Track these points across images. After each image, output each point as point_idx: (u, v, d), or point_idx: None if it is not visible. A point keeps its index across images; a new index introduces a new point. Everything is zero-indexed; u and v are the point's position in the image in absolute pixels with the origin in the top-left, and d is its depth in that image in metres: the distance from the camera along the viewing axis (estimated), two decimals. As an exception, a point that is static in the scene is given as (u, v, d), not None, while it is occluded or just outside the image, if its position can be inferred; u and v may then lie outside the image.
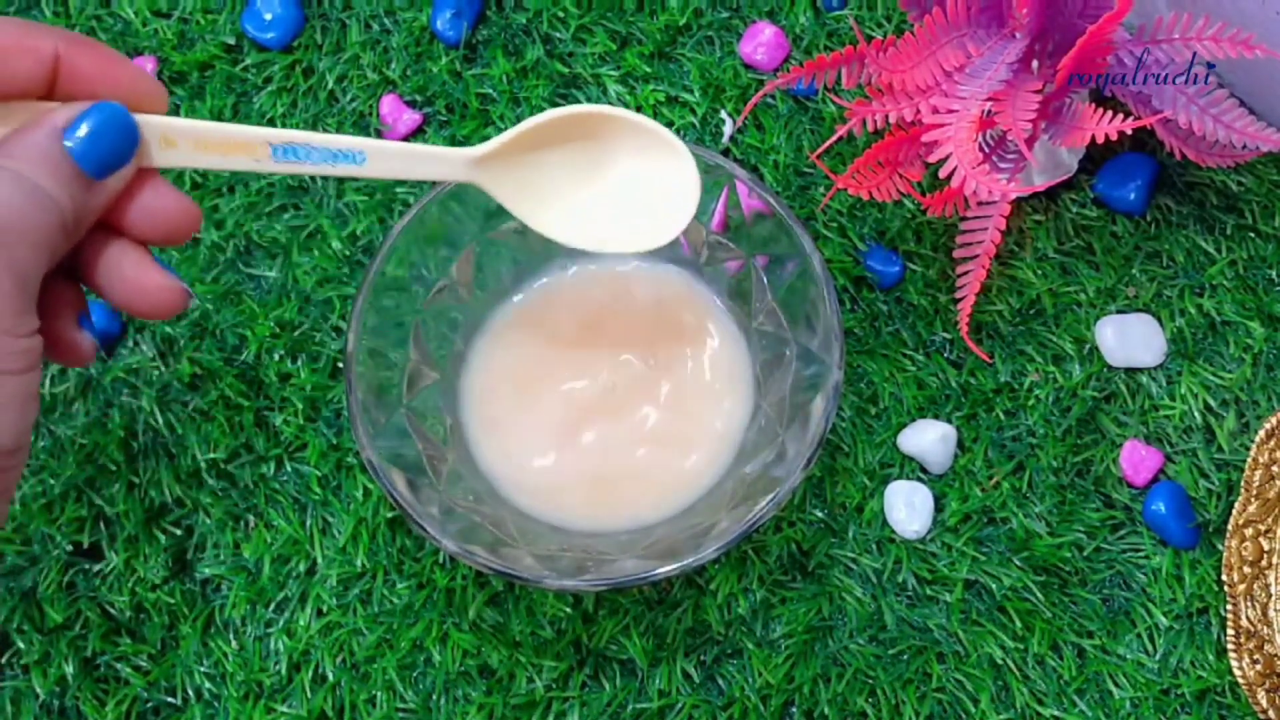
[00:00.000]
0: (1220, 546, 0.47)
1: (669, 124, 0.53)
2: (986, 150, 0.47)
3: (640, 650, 0.47)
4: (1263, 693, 0.45)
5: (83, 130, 0.30)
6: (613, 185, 0.39)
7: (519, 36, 0.54)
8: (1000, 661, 0.47)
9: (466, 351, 0.47)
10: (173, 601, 0.48)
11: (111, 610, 0.48)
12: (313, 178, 0.52)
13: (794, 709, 0.47)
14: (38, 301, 0.30)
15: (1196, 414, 0.49)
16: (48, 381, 0.50)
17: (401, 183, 0.52)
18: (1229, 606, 0.46)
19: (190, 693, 0.47)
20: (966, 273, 0.47)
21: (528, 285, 0.47)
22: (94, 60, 0.32)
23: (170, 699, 0.47)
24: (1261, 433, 0.47)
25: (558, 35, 0.54)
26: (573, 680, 0.47)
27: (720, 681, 0.47)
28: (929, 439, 0.48)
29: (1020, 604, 0.47)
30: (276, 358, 0.50)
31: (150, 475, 0.49)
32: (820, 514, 0.48)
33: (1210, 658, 0.47)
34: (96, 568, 0.48)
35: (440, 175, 0.37)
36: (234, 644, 0.48)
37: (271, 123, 0.53)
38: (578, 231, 0.39)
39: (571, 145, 0.39)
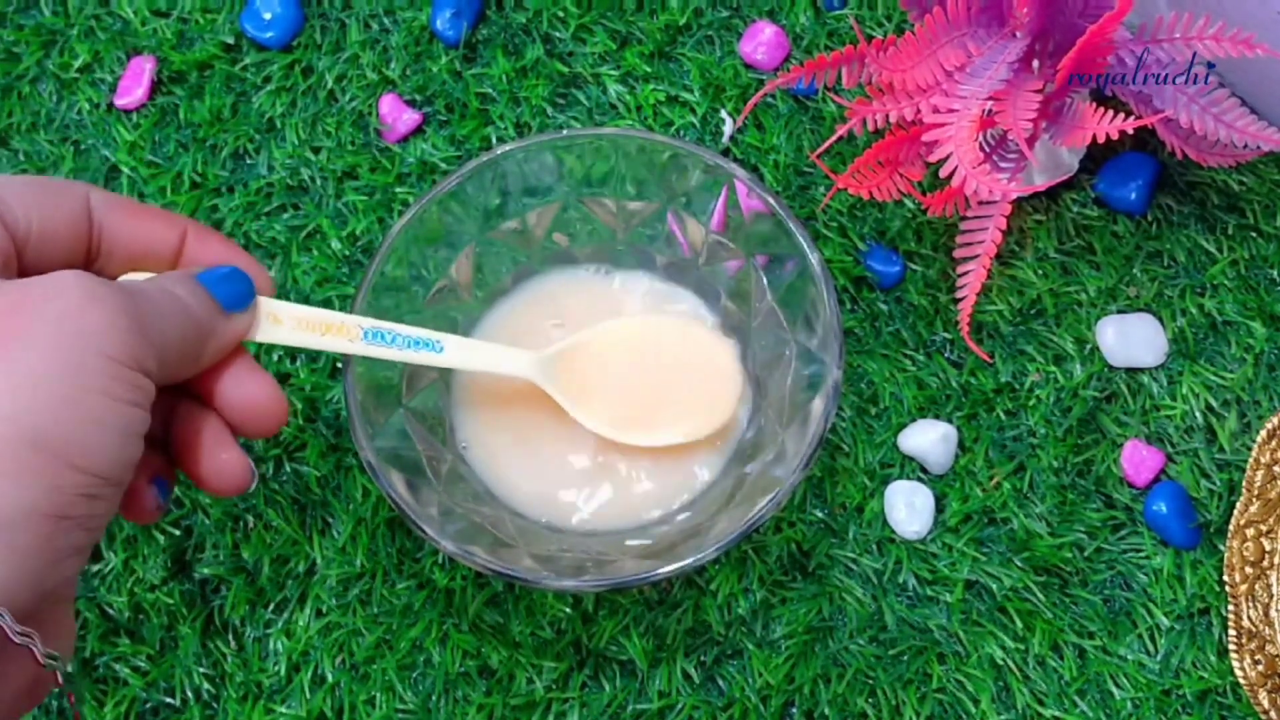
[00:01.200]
0: (1221, 547, 0.47)
1: (669, 124, 0.53)
2: (987, 150, 0.47)
3: (640, 650, 0.47)
4: (1264, 693, 0.45)
5: (214, 275, 0.35)
6: (659, 381, 0.44)
7: (519, 36, 0.54)
8: (1001, 662, 0.47)
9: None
10: (171, 602, 0.48)
11: (110, 611, 0.48)
12: (312, 179, 0.52)
13: (794, 709, 0.47)
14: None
15: (1198, 414, 0.49)
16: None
17: (401, 182, 0.52)
18: (1230, 607, 0.46)
19: (189, 693, 0.47)
20: (967, 273, 0.46)
21: (525, 286, 0.47)
22: (216, 246, 0.37)
23: (169, 699, 0.47)
24: (1263, 433, 0.47)
25: (558, 35, 0.54)
26: (573, 680, 0.47)
27: (720, 682, 0.47)
28: (929, 439, 0.48)
29: (1021, 604, 0.47)
30: (276, 358, 0.50)
31: (149, 475, 0.49)
32: (820, 514, 0.48)
33: (1212, 658, 0.47)
34: (96, 568, 0.48)
35: (505, 370, 0.42)
36: (233, 644, 0.48)
37: (271, 123, 0.53)
38: (628, 431, 0.44)
39: (627, 345, 0.44)
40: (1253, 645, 0.46)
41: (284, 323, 0.37)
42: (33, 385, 0.28)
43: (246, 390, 0.35)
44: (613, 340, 0.44)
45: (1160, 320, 0.50)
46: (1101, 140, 0.41)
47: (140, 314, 0.31)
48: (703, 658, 0.47)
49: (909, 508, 0.48)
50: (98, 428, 0.29)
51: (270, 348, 0.50)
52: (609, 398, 0.44)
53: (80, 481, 0.28)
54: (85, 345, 0.29)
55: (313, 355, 0.50)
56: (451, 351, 0.40)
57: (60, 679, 0.29)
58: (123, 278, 0.35)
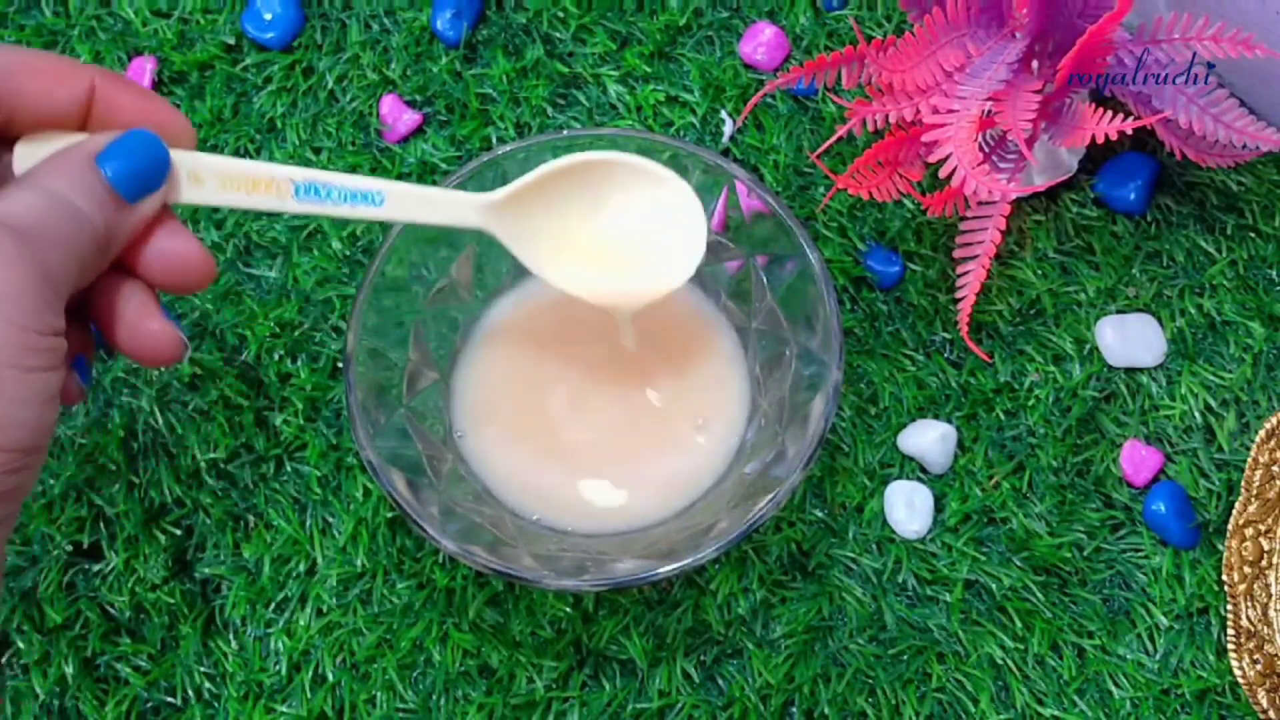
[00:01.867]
0: (1220, 546, 0.47)
1: (669, 124, 0.53)
2: (986, 150, 0.47)
3: (640, 650, 0.47)
4: (1263, 693, 0.45)
5: (117, 155, 0.31)
6: (623, 232, 0.40)
7: (519, 36, 0.54)
8: (1000, 661, 0.47)
9: (462, 352, 0.47)
10: (173, 601, 0.48)
11: (111, 610, 0.48)
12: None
13: (794, 709, 0.47)
14: None
15: (1197, 414, 0.49)
16: (48, 381, 0.50)
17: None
18: (1229, 606, 0.46)
19: (190, 693, 0.47)
20: (966, 273, 0.47)
21: (525, 285, 0.47)
22: (127, 96, 0.33)
23: (170, 699, 0.47)
24: (1262, 433, 0.47)
25: (558, 35, 0.54)
26: (573, 680, 0.47)
27: (720, 681, 0.47)
28: (929, 439, 0.48)
29: (1020, 604, 0.47)
30: (276, 358, 0.50)
31: (150, 475, 0.49)
32: (820, 514, 0.48)
33: (1210, 658, 0.47)
34: (96, 568, 0.48)
35: (454, 221, 0.38)
36: (234, 644, 0.48)
37: (272, 123, 0.53)
38: (590, 285, 0.40)
39: (582, 193, 0.39)
40: (1251, 645, 0.46)
41: (206, 182, 0.33)
42: None
43: (169, 253, 0.33)
44: (568, 184, 0.39)
45: (1159, 320, 0.50)
46: (1101, 141, 0.41)
47: (45, 261, 0.28)
48: (703, 657, 0.47)
49: (909, 507, 0.48)
50: (13, 404, 0.28)
51: (253, 327, 0.50)
52: (570, 251, 0.40)
53: (1, 460, 0.28)
54: None
55: (313, 355, 0.50)
56: (392, 203, 0.36)
57: None
58: (21, 144, 0.32)
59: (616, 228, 0.40)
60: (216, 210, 0.52)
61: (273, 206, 0.34)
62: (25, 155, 0.32)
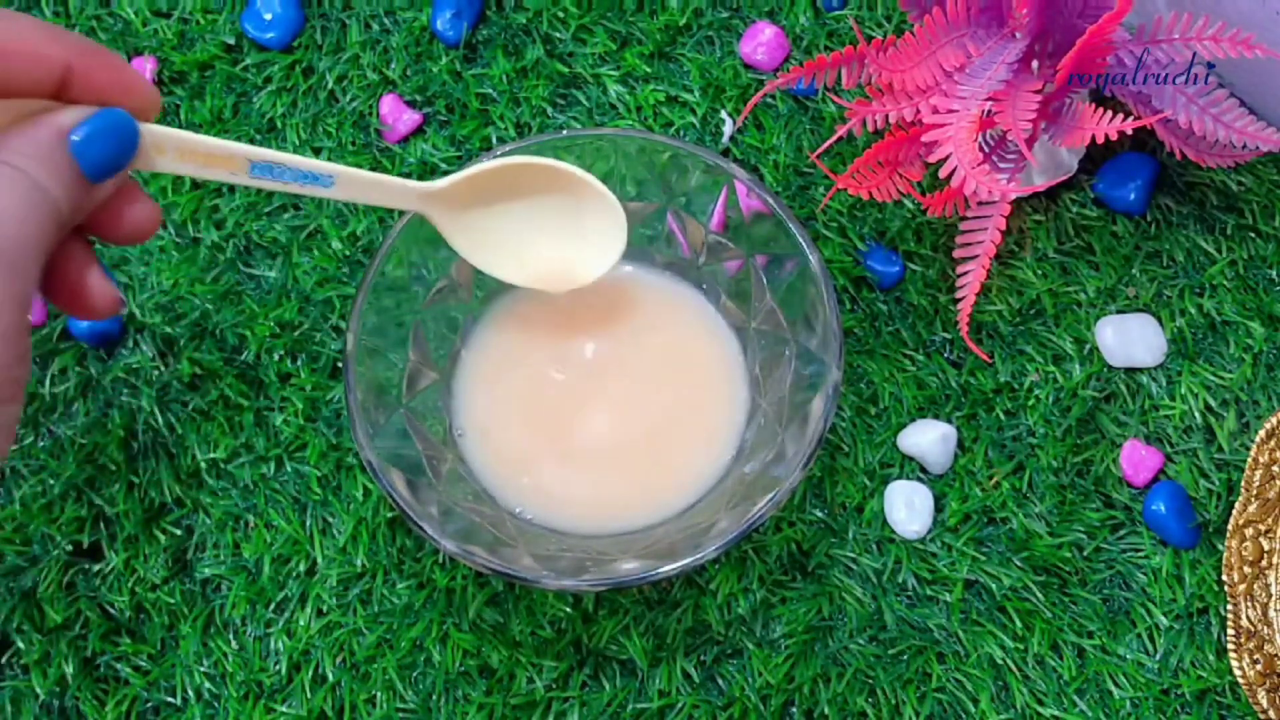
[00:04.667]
0: (1220, 546, 0.47)
1: (669, 124, 0.53)
2: (986, 150, 0.47)
3: (640, 650, 0.47)
4: (1263, 693, 0.45)
5: (90, 137, 0.30)
6: (549, 226, 0.43)
7: (519, 36, 0.54)
8: (1000, 661, 0.47)
9: (462, 352, 0.47)
10: (173, 601, 0.48)
11: (111, 610, 0.48)
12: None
13: (794, 709, 0.47)
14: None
15: (1196, 414, 0.49)
16: (47, 381, 0.50)
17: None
18: (1229, 606, 0.46)
19: (190, 693, 0.47)
20: (966, 273, 0.47)
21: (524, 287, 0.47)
22: (102, 66, 0.32)
23: (170, 699, 0.47)
24: (1261, 433, 0.47)
25: (558, 35, 0.54)
26: (573, 680, 0.47)
27: (720, 681, 0.47)
28: (929, 439, 0.48)
29: (1020, 604, 0.47)
30: (276, 358, 0.50)
31: (150, 475, 0.49)
32: (820, 514, 0.48)
33: (1210, 658, 0.47)
34: (96, 568, 0.48)
35: (395, 204, 0.40)
36: (234, 644, 0.48)
37: (272, 123, 0.53)
38: (515, 272, 0.43)
39: (514, 190, 0.42)
40: (1251, 645, 0.46)
41: (166, 153, 0.33)
42: None
43: (124, 216, 0.33)
44: (500, 181, 0.42)
45: (1159, 320, 0.50)
46: (1101, 141, 0.41)
47: (8, 252, 0.28)
48: (703, 657, 0.47)
49: (908, 507, 0.48)
50: None
51: (261, 344, 0.50)
52: (499, 240, 0.43)
53: None
54: None
55: (313, 355, 0.50)
56: (341, 185, 0.37)
57: None
58: None
59: (543, 222, 0.43)
60: (216, 210, 0.52)
61: (227, 180, 0.35)
62: None
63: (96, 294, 0.33)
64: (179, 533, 0.48)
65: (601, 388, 0.46)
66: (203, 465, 0.49)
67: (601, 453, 0.45)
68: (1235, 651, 0.46)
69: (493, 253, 0.43)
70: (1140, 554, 0.48)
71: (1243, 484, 0.47)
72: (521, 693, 0.47)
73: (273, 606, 0.48)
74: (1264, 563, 0.46)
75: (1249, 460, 0.47)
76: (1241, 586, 0.46)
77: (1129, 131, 0.40)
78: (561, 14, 0.54)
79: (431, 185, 0.40)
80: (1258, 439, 0.47)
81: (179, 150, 0.34)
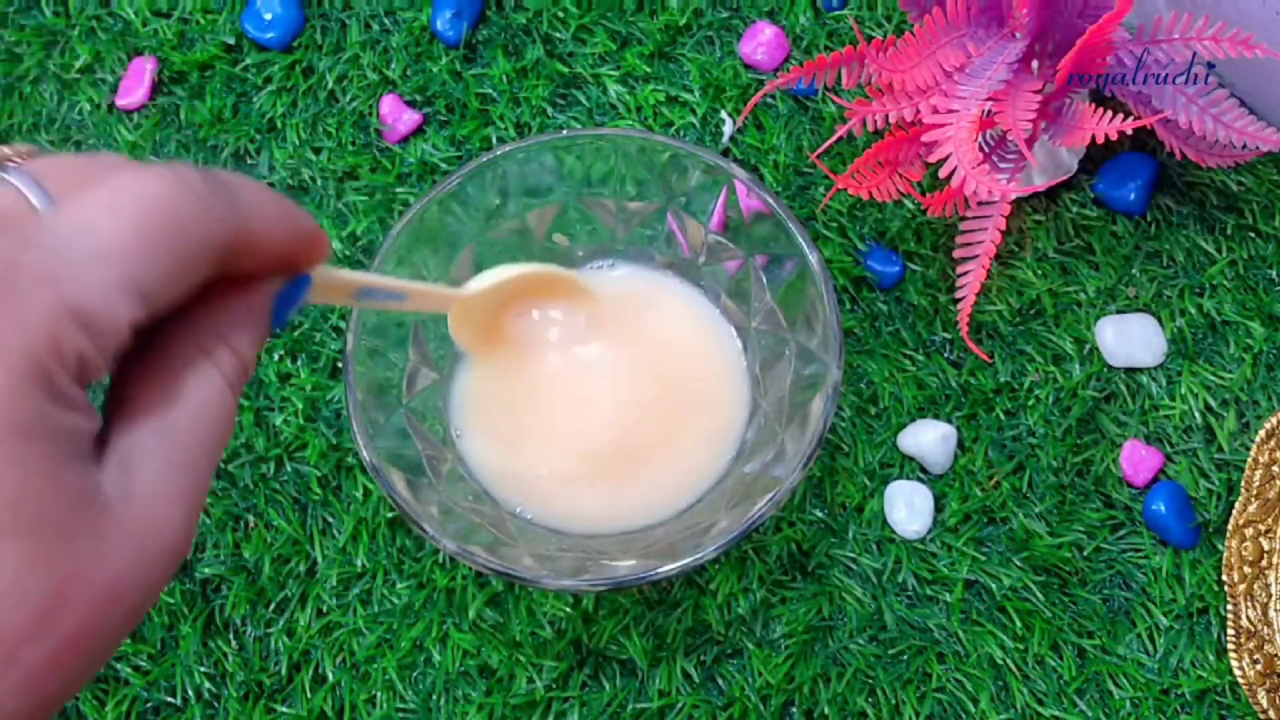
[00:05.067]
0: (1220, 546, 0.47)
1: (669, 124, 0.53)
2: (986, 150, 0.47)
3: (640, 650, 0.47)
4: (1263, 692, 0.45)
5: (284, 304, 0.28)
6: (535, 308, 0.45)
7: (519, 36, 0.54)
8: (1000, 661, 0.47)
9: (461, 351, 0.47)
10: (173, 601, 0.48)
11: (111, 610, 0.48)
12: (312, 179, 0.53)
13: (794, 709, 0.47)
14: None
15: (1196, 414, 0.49)
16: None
17: (401, 183, 0.52)
18: (1229, 606, 0.46)
19: (190, 693, 0.47)
20: (966, 273, 0.47)
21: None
22: (315, 243, 0.28)
23: (170, 699, 0.47)
24: (1261, 433, 0.47)
25: (558, 35, 0.54)
26: (573, 680, 0.47)
27: (720, 681, 0.47)
28: (929, 439, 0.48)
29: (1020, 604, 0.47)
30: (276, 358, 0.50)
31: (150, 475, 0.49)
32: (820, 514, 0.48)
33: (1210, 658, 0.47)
34: (96, 568, 0.48)
35: (440, 309, 0.41)
36: (234, 644, 0.48)
37: (272, 123, 0.53)
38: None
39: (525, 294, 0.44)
40: (1251, 644, 0.46)
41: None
42: None
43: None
44: (501, 292, 0.42)
45: (1159, 320, 0.50)
46: (1101, 141, 0.41)
47: (194, 459, 0.24)
48: (703, 657, 0.47)
49: (908, 507, 0.48)
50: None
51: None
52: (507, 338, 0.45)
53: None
54: None
55: (313, 354, 0.50)
56: (412, 300, 0.38)
57: None
58: None
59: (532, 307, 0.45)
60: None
61: (338, 304, 0.37)
62: None
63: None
64: (179, 533, 0.48)
65: (601, 388, 0.46)
66: (203, 465, 0.49)
67: (601, 453, 0.45)
68: (1235, 651, 0.46)
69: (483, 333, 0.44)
70: (1140, 554, 0.48)
71: (1243, 484, 0.47)
72: (521, 693, 0.47)
73: (273, 606, 0.48)
74: (1264, 563, 0.46)
75: (1249, 460, 0.47)
76: (1241, 586, 0.46)
77: (1129, 131, 0.40)
78: (561, 14, 0.54)
79: (462, 292, 0.41)
80: (1258, 439, 0.47)
81: (324, 289, 0.33)
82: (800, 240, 0.42)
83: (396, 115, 0.53)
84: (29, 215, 0.21)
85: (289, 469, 0.49)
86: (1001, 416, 0.49)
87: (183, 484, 0.23)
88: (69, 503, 0.20)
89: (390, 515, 0.48)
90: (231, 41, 0.54)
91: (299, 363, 0.50)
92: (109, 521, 0.21)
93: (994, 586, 0.47)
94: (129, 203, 0.21)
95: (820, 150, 0.50)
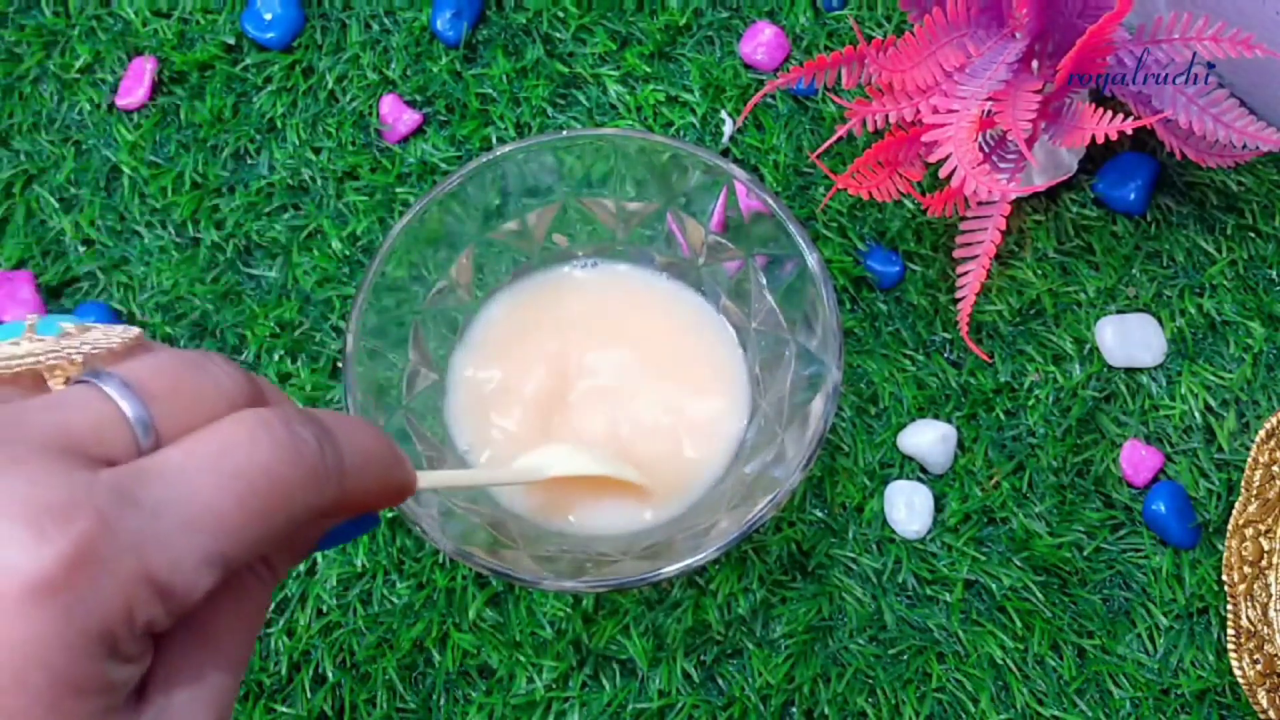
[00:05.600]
0: (1220, 546, 0.47)
1: (669, 124, 0.53)
2: (986, 150, 0.47)
3: (640, 650, 0.47)
4: (1263, 693, 0.45)
5: (337, 536, 0.27)
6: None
7: (519, 36, 0.54)
8: (1000, 661, 0.47)
9: (461, 351, 0.47)
10: (173, 601, 0.48)
11: (112, 610, 0.48)
12: (312, 179, 0.53)
13: (794, 709, 0.47)
14: None
15: (1196, 414, 0.49)
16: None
17: (401, 183, 0.52)
18: (1229, 606, 0.46)
19: (190, 693, 0.47)
20: (966, 273, 0.47)
21: (523, 285, 0.47)
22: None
23: (170, 699, 0.47)
24: (1261, 433, 0.47)
25: (558, 35, 0.54)
26: (573, 680, 0.47)
27: (720, 681, 0.47)
28: (929, 439, 0.48)
29: (1020, 604, 0.47)
30: (276, 358, 0.50)
31: (150, 475, 0.49)
32: (820, 514, 0.48)
33: (1210, 658, 0.47)
34: (97, 568, 0.48)
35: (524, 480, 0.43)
36: (234, 644, 0.48)
37: (272, 123, 0.53)
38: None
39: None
40: (1251, 644, 0.46)
41: None
42: None
43: None
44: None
45: (1159, 320, 0.50)
46: (1101, 141, 0.41)
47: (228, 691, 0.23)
48: (703, 657, 0.47)
49: (908, 507, 0.48)
50: None
51: (260, 344, 0.50)
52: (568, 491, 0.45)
53: None
54: None
55: (313, 354, 0.50)
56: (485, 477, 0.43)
57: None
58: None
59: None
60: (216, 210, 0.52)
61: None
62: None
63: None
64: (179, 533, 0.48)
65: (601, 388, 0.46)
66: (203, 465, 0.49)
67: (601, 453, 0.45)
68: (1235, 651, 0.46)
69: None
70: (1140, 554, 0.48)
71: (1243, 484, 0.47)
72: (521, 693, 0.47)
73: (273, 606, 0.48)
74: (1264, 563, 0.46)
75: (1249, 460, 0.47)
76: (1241, 586, 0.46)
77: (1129, 131, 0.40)
78: (561, 14, 0.54)
79: (537, 476, 0.42)
80: (1258, 439, 0.47)
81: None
82: (800, 241, 0.42)
83: (396, 115, 0.53)
84: (128, 439, 0.21)
85: (289, 469, 0.49)
86: (1001, 416, 0.49)
87: (217, 710, 0.22)
88: None
89: (390, 515, 0.48)
90: (231, 41, 0.54)
91: (299, 363, 0.50)
92: None
93: (994, 586, 0.47)
94: (234, 470, 0.20)
95: (820, 150, 0.50)
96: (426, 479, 0.33)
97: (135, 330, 0.24)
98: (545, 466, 0.42)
